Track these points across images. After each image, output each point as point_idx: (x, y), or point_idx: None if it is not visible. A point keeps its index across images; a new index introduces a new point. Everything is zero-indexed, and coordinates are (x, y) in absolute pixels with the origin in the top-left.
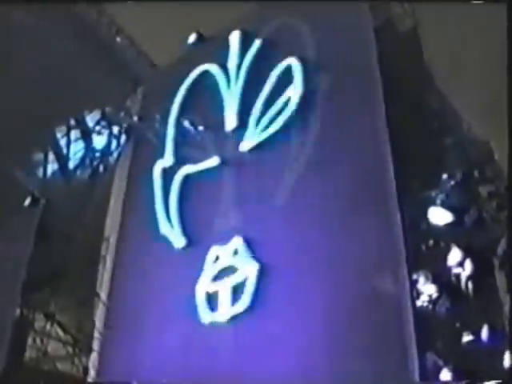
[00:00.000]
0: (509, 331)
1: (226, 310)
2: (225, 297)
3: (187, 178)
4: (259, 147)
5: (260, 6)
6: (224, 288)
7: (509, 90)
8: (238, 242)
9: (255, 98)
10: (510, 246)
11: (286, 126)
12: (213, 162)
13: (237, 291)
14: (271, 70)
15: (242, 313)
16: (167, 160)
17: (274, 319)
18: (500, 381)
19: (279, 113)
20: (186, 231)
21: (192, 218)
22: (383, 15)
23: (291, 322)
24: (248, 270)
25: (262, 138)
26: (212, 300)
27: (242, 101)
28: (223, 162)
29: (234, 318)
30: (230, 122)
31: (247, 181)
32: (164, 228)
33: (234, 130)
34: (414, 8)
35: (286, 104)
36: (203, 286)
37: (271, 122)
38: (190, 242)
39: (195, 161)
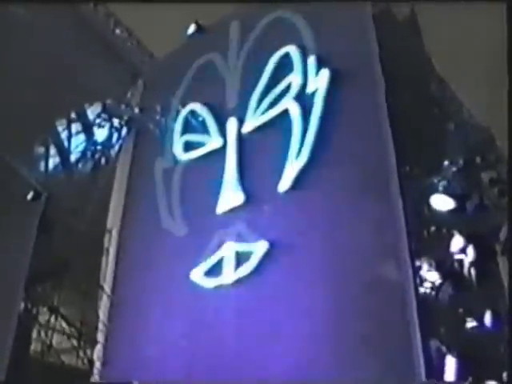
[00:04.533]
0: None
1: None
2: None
3: (190, 164)
4: (260, 130)
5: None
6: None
7: (509, 89)
8: (240, 226)
9: (256, 81)
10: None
11: (287, 111)
12: (216, 144)
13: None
14: (271, 55)
15: (244, 300)
16: (168, 157)
17: (276, 308)
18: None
19: (280, 97)
20: (188, 219)
21: (194, 204)
22: (381, 2)
23: (293, 312)
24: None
25: (263, 121)
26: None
27: (243, 83)
28: (226, 144)
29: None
30: (232, 103)
31: (250, 163)
32: (166, 222)
33: (236, 112)
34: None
35: (286, 89)
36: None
37: (272, 105)
38: (193, 230)
39: (198, 145)
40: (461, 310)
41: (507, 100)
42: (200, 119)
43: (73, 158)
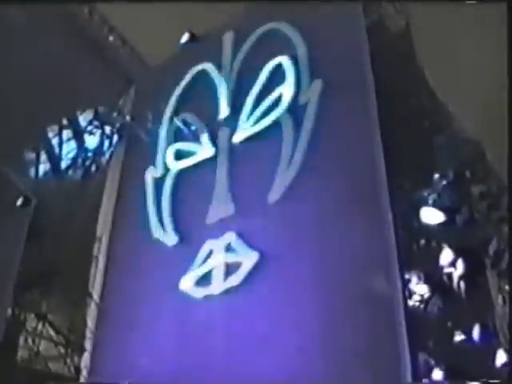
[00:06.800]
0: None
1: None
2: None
3: (181, 173)
4: (252, 140)
5: (251, 8)
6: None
7: (509, 90)
8: (230, 236)
9: (248, 91)
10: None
11: (279, 122)
12: (207, 153)
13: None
14: (263, 65)
15: (233, 310)
16: (159, 166)
17: (265, 319)
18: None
19: (272, 108)
20: (178, 228)
21: (185, 213)
22: (375, 14)
23: (282, 323)
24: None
25: (255, 131)
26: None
27: (235, 92)
28: (217, 154)
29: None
30: (224, 112)
31: (240, 173)
32: (156, 232)
33: (227, 121)
34: (408, 9)
35: (278, 100)
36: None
37: (263, 115)
38: (183, 239)
39: (189, 154)
40: (449, 324)
41: (507, 103)
42: (192, 128)
43: (63, 164)
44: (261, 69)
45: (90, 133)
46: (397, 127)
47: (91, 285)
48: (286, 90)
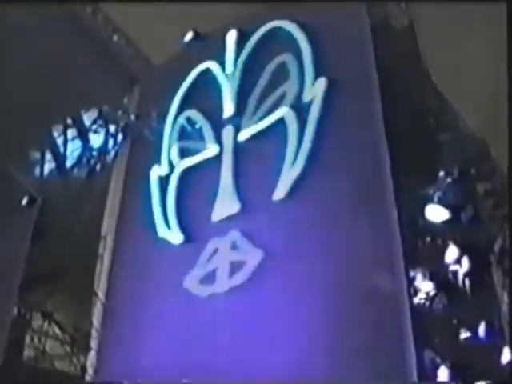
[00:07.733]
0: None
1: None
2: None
3: (186, 172)
4: (256, 137)
5: (254, 6)
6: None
7: (509, 89)
8: (235, 234)
9: (252, 89)
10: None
11: (283, 120)
12: (212, 151)
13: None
14: (267, 63)
15: (237, 309)
16: (164, 164)
17: (269, 317)
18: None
19: (276, 105)
20: (183, 227)
21: (190, 211)
22: (379, 13)
23: (286, 321)
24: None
25: (259, 129)
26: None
27: (239, 90)
28: (222, 152)
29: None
30: (228, 110)
31: (245, 171)
32: (162, 230)
33: (232, 120)
34: (412, 8)
35: (282, 98)
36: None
37: (268, 113)
38: (188, 238)
39: (194, 152)
40: (455, 321)
41: (507, 103)
42: (196, 126)
43: (68, 163)
44: (265, 67)
45: (95, 132)
46: (401, 125)
47: (96, 283)
48: (290, 88)
